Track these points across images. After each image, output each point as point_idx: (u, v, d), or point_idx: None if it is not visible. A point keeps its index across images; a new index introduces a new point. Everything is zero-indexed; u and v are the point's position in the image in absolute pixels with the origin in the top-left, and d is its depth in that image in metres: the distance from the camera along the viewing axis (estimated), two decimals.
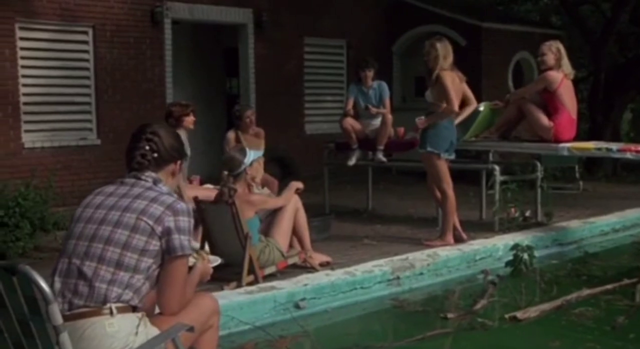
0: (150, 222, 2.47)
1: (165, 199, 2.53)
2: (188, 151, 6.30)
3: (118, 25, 9.21)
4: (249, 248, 5.16)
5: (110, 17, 9.12)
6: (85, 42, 8.99)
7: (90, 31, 9.00)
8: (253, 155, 5.46)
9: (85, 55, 9.00)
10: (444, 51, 6.41)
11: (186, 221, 2.52)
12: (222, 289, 5.06)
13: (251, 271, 5.18)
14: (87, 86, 9.06)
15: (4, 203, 6.18)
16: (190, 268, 2.68)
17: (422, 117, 6.53)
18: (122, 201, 2.54)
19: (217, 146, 8.81)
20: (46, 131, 8.71)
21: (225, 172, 5.33)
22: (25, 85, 8.50)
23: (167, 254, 2.49)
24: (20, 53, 8.43)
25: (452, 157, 6.66)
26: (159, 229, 2.47)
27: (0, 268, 2.22)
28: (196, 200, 5.68)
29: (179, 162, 2.70)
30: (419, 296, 5.58)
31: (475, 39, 11.80)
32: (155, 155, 2.62)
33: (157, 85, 9.68)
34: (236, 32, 10.83)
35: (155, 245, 2.47)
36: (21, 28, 8.44)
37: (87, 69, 9.04)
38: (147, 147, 2.62)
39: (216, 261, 3.16)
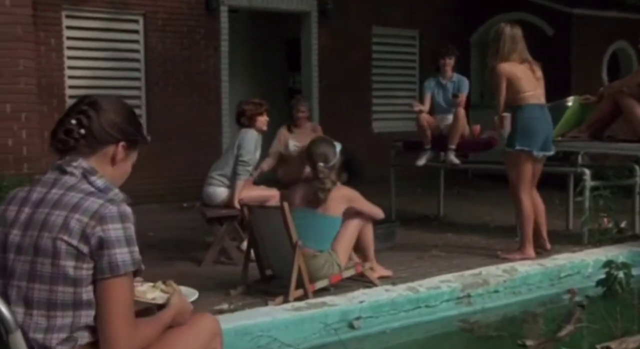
0: (74, 242, 1.99)
1: (89, 204, 2.02)
2: (257, 154, 6.06)
3: (170, 13, 9.04)
4: (297, 258, 4.82)
5: (163, 4, 8.97)
6: (136, 32, 8.85)
7: (141, 19, 8.87)
8: (337, 146, 5.22)
9: (135, 46, 8.87)
10: (510, 39, 5.87)
11: (121, 229, 2.02)
12: (266, 304, 4.73)
13: (300, 284, 4.84)
14: (137, 78, 8.93)
15: None
16: (162, 306, 2.25)
17: (506, 114, 5.98)
18: (38, 213, 2.05)
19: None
20: None
21: (321, 164, 5.01)
22: (71, 77, 8.42)
23: (100, 276, 2.00)
24: (67, 43, 8.36)
25: (552, 152, 6.12)
26: (85, 248, 1.99)
27: None
28: (242, 203, 5.39)
29: (121, 144, 2.17)
30: (493, 318, 5.13)
31: (564, 27, 11.16)
32: (83, 131, 2.11)
33: (212, 79, 9.48)
34: (299, 22, 10.54)
35: (88, 269, 2.00)
36: (68, 16, 8.37)
37: (136, 60, 8.90)
38: (74, 121, 2.12)
39: (193, 295, 2.45)
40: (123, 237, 2.02)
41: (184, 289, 2.42)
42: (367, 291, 4.99)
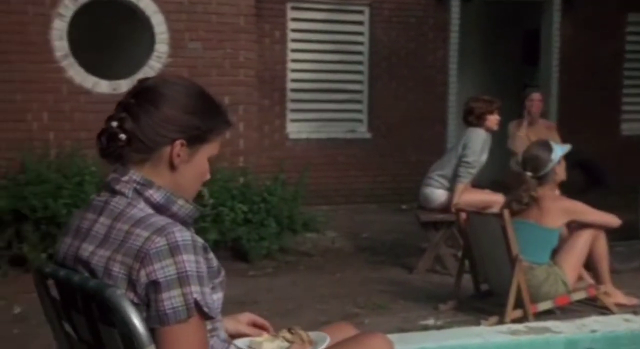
0: (122, 290, 1.68)
1: (134, 239, 1.67)
2: (484, 157, 5.70)
3: (398, 3, 8.84)
4: (517, 274, 4.36)
5: None
6: (360, 23, 8.76)
7: (367, 10, 8.76)
8: (560, 150, 4.67)
9: (359, 38, 8.78)
10: None
11: (171, 266, 1.64)
12: (478, 323, 4.33)
13: (519, 304, 4.37)
14: (360, 72, 8.83)
15: (248, 198, 6.06)
16: None
17: None
18: (82, 251, 1.76)
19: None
20: (312, 121, 8.65)
21: (528, 173, 4.58)
22: (294, 70, 8.52)
23: (151, 326, 1.66)
24: (291, 35, 8.47)
25: None
26: (135, 298, 1.67)
27: (85, 288, 1.74)
28: (457, 208, 5.01)
29: (179, 142, 1.74)
30: None
31: None
32: (124, 137, 1.73)
33: (439, 72, 9.14)
34: (539, 11, 9.84)
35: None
36: (293, 8, 8.47)
37: (360, 53, 8.81)
38: (115, 124, 1.74)
39: (324, 341, 2.03)
40: (175, 276, 1.63)
41: (314, 335, 2.06)
42: (600, 318, 4.39)
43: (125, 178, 1.76)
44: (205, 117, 1.79)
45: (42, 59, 6.28)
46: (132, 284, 1.66)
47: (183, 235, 1.68)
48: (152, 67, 6.59)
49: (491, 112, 5.76)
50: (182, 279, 1.65)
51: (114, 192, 1.77)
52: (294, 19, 8.50)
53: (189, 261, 1.66)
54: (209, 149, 1.82)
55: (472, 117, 5.76)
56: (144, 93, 1.77)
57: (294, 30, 8.50)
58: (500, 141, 8.05)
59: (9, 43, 6.22)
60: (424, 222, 5.83)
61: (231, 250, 6.13)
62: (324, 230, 6.54)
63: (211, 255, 1.81)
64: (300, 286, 5.52)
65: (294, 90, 8.55)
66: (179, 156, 1.76)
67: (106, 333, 1.78)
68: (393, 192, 8.79)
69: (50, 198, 5.59)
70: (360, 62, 8.83)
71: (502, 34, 10.82)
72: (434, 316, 4.57)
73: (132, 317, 1.66)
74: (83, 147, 6.15)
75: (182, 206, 1.79)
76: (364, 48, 8.82)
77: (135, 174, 1.76)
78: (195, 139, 1.77)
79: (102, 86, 6.45)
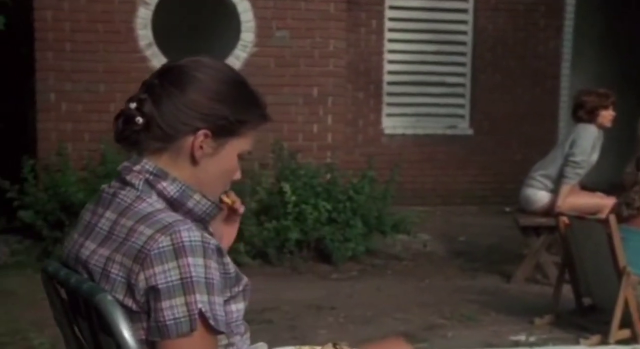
0: (119, 297, 1.48)
1: (137, 237, 1.47)
2: (595, 157, 5.34)
3: None
4: (624, 288, 3.97)
5: None
6: (464, 11, 8.38)
7: None
8: None
9: (462, 27, 8.41)
10: None
11: (174, 270, 1.43)
12: (577, 342, 3.96)
13: (626, 323, 4.00)
14: (462, 64, 8.46)
15: (334, 196, 5.84)
16: None
17: None
18: (84, 249, 1.59)
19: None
20: (410, 115, 8.36)
21: None
22: (390, 61, 8.25)
23: (151, 338, 1.47)
24: (388, 24, 8.19)
25: None
26: (133, 305, 1.47)
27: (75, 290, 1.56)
28: (558, 212, 4.62)
29: (202, 132, 1.54)
30: None
31: None
32: (142, 121, 1.54)
33: (550, 65, 8.64)
34: None
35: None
36: None
37: (463, 43, 8.43)
38: (134, 105, 1.54)
39: None
40: (178, 282, 1.43)
41: None
42: None
43: (137, 167, 1.57)
44: (237, 106, 1.58)
45: (126, 49, 6.28)
46: (130, 289, 1.47)
47: (191, 235, 1.46)
48: (237, 57, 6.48)
49: (605, 107, 5.37)
50: (186, 286, 1.44)
51: (125, 183, 1.58)
52: (392, 7, 8.21)
53: (196, 264, 1.45)
54: (239, 144, 1.60)
55: (582, 112, 5.37)
56: (170, 73, 1.58)
57: (391, 19, 8.21)
58: (623, 139, 7.52)
59: (94, 32, 6.25)
60: (524, 227, 5.48)
61: (314, 251, 5.94)
62: (416, 232, 6.25)
63: (227, 259, 1.58)
64: (384, 292, 5.27)
65: (390, 83, 8.27)
66: (201, 148, 1.56)
67: (106, 342, 1.61)
68: (495, 194, 8.36)
69: None
70: (462, 53, 8.45)
71: (625, 19, 10.11)
72: (527, 331, 4.26)
73: (121, 327, 1.49)
74: None
75: (199, 202, 1.58)
76: (467, 38, 8.43)
77: (148, 164, 1.57)
78: (222, 131, 1.56)
79: None
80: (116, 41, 6.24)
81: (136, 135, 1.56)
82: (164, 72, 1.59)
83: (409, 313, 4.69)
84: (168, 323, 1.44)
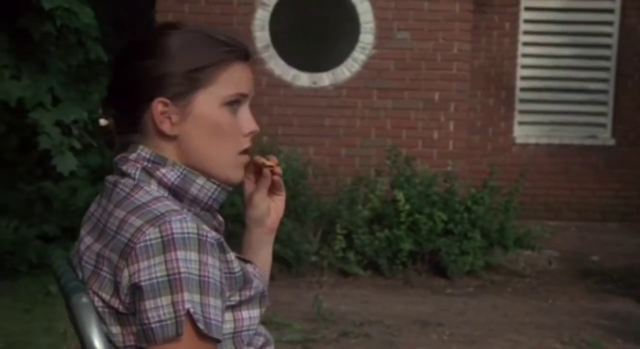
0: (106, 296, 1.32)
1: (126, 229, 1.30)
2: None
3: None
4: None
5: None
6: (610, 11, 7.83)
7: None
8: None
9: (607, 29, 7.86)
10: None
11: (160, 265, 1.25)
12: None
13: None
14: (605, 69, 7.90)
15: (450, 206, 5.55)
16: None
17: None
18: (82, 245, 1.43)
19: None
20: (544, 124, 7.90)
21: None
22: (524, 66, 7.84)
23: (140, 344, 1.28)
24: (523, 27, 7.78)
25: None
26: (120, 306, 1.30)
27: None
28: None
29: (156, 100, 1.33)
30: None
31: None
32: (103, 122, 1.43)
33: None
34: None
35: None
36: None
37: (607, 46, 7.88)
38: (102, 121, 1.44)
39: None
40: (164, 278, 1.25)
41: None
42: None
43: (133, 156, 1.40)
44: (181, 56, 1.35)
45: None
46: (116, 288, 1.30)
47: (184, 226, 1.27)
48: (355, 59, 6.31)
49: None
50: (173, 283, 1.24)
51: (123, 174, 1.42)
52: (528, 9, 7.79)
53: (187, 259, 1.25)
54: (213, 93, 1.36)
55: None
56: (125, 48, 1.41)
57: (527, 21, 7.80)
58: None
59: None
60: None
61: (428, 263, 5.67)
62: (544, 248, 5.84)
63: (231, 256, 1.36)
64: (499, 310, 4.92)
65: (524, 89, 7.84)
66: (169, 118, 1.36)
67: None
68: (639, 210, 7.75)
69: (238, 195, 5.51)
70: (606, 58, 7.89)
71: None
72: None
73: (91, 333, 1.33)
74: (279, 143, 6.03)
75: (203, 186, 1.39)
76: (612, 40, 7.86)
77: (144, 150, 1.39)
78: (177, 89, 1.35)
79: (302, 79, 6.29)
80: None
81: (114, 122, 1.43)
82: (123, 46, 1.44)
83: (522, 335, 4.34)
84: (153, 325, 1.25)
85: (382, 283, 5.52)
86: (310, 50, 6.44)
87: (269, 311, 4.60)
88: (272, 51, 6.30)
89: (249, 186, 1.57)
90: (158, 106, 1.35)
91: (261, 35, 6.29)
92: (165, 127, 1.36)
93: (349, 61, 6.29)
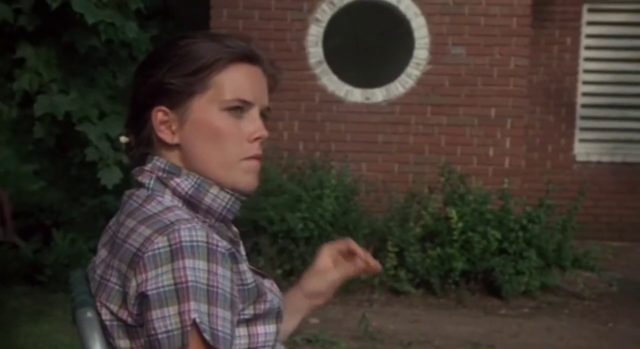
0: (114, 308, 1.30)
1: (134, 239, 1.28)
2: None
3: None
4: None
5: None
6: None
7: None
8: None
9: None
10: None
11: (167, 274, 1.22)
12: None
13: None
14: None
15: (505, 224, 5.44)
16: None
17: None
18: (97, 258, 1.42)
19: None
20: (606, 141, 7.71)
21: None
22: (586, 82, 7.68)
23: None
24: (585, 42, 7.63)
25: None
26: (129, 318, 1.28)
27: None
28: None
29: (157, 109, 1.34)
30: None
31: None
32: (124, 139, 1.43)
33: None
34: None
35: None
36: (590, 10, 7.63)
37: None
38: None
39: None
40: (171, 288, 1.22)
41: None
42: None
43: (149, 166, 1.39)
44: (175, 62, 1.34)
45: (297, 66, 6.27)
46: (124, 299, 1.28)
47: (193, 234, 1.25)
48: (409, 75, 6.26)
49: None
50: (180, 292, 1.22)
51: (139, 185, 1.41)
52: (590, 23, 7.63)
53: (195, 268, 1.23)
54: (212, 98, 1.34)
55: None
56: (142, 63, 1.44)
57: (589, 36, 7.64)
58: None
59: (266, 50, 6.29)
60: None
61: (482, 283, 5.55)
62: (605, 269, 5.67)
63: (244, 267, 1.34)
64: (555, 333, 4.78)
65: (585, 105, 7.68)
66: (170, 127, 1.36)
67: None
68: None
69: (288, 211, 5.50)
70: None
71: None
72: None
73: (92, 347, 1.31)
74: (331, 159, 6.01)
75: (217, 196, 1.36)
76: None
77: (159, 160, 1.38)
78: (176, 98, 1.34)
79: (355, 95, 6.27)
80: (287, 59, 6.24)
81: (137, 150, 1.42)
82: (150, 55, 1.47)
83: None
84: (160, 336, 1.23)
85: (434, 302, 5.43)
86: (364, 66, 6.43)
87: (316, 328, 4.60)
88: (325, 67, 6.31)
89: (326, 261, 1.60)
90: (157, 114, 1.36)
91: (314, 51, 6.31)
92: (166, 136, 1.36)
93: (402, 77, 6.25)
